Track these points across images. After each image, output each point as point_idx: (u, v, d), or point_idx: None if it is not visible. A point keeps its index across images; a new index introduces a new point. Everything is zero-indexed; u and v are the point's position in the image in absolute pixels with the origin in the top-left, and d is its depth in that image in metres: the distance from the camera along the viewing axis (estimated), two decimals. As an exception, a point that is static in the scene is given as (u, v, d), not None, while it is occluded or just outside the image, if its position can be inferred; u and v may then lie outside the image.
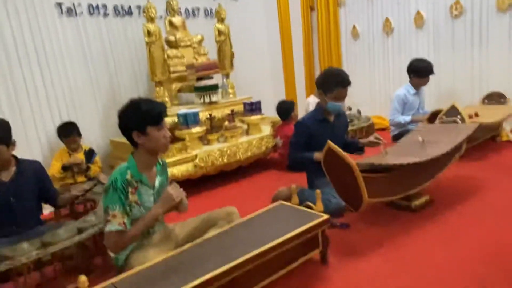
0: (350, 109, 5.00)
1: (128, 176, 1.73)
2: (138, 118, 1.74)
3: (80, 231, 2.00)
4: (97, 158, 3.51)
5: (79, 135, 3.47)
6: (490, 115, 3.70)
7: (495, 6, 4.10)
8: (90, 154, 3.46)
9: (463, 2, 4.33)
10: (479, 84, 4.37)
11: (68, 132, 3.41)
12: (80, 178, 3.35)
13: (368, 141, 2.77)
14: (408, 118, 3.92)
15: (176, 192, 1.80)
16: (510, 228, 2.21)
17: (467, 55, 4.43)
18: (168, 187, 1.83)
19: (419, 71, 3.90)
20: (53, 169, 3.28)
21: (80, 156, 3.38)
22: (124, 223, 1.68)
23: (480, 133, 3.65)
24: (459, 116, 3.01)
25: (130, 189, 1.73)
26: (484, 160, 3.51)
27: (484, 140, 3.88)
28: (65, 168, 3.26)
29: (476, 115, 3.64)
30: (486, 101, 4.21)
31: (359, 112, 4.98)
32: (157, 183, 1.86)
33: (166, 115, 1.82)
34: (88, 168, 3.34)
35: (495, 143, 4.00)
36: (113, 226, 1.66)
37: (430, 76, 3.96)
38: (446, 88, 4.63)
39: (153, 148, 1.79)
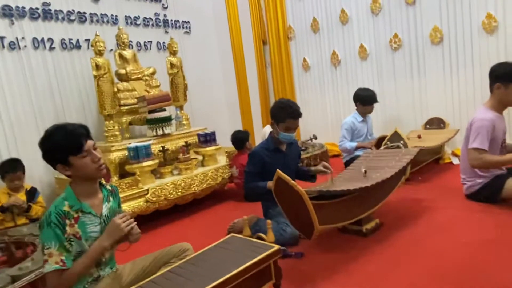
0: (312, 138, 5.12)
1: (66, 207, 1.58)
2: (55, 151, 1.58)
3: (14, 279, 1.83)
4: (40, 198, 3.30)
5: (24, 172, 3.27)
6: (432, 139, 3.96)
7: (429, 39, 4.49)
8: (32, 193, 3.27)
9: (401, 36, 4.70)
10: (420, 111, 4.69)
11: (13, 168, 3.20)
12: (21, 220, 3.12)
13: (316, 169, 2.83)
14: (354, 144, 4.09)
15: (123, 221, 1.64)
16: (456, 245, 2.30)
17: (407, 84, 4.76)
18: (115, 217, 1.68)
19: (364, 100, 4.12)
20: (-10, 211, 3.03)
21: (21, 197, 3.17)
22: (62, 261, 1.52)
23: (424, 157, 3.89)
24: (402, 142, 3.18)
25: (68, 221, 1.57)
26: (429, 181, 3.69)
27: (429, 163, 4.11)
28: (3, 210, 3.03)
29: (419, 137, 3.89)
30: (427, 126, 4.51)
31: (315, 137, 5.12)
32: (104, 210, 1.72)
33: (87, 138, 1.62)
34: (29, 208, 3.13)
35: (438, 165, 4.24)
36: (51, 266, 1.50)
37: (375, 104, 4.19)
38: (391, 114, 4.92)
39: (86, 176, 1.65)
